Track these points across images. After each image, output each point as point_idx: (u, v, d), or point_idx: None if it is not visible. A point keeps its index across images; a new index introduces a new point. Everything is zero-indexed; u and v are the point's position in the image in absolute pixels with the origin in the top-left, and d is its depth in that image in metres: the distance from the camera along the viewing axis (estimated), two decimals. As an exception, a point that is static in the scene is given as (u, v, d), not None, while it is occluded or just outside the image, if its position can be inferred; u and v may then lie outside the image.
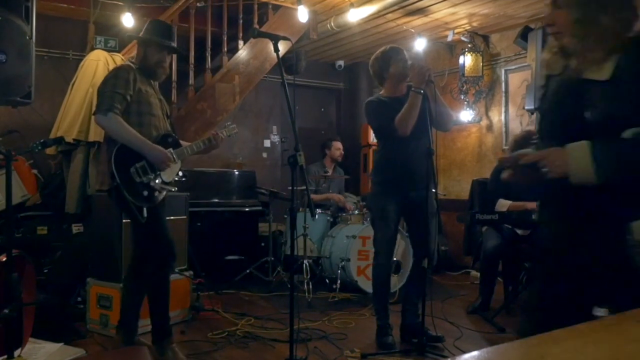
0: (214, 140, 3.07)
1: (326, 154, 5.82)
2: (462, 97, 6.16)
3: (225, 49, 5.22)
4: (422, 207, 3.23)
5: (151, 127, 2.91)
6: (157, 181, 2.85)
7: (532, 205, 3.86)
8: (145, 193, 2.80)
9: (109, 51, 4.77)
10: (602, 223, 1.46)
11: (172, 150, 2.93)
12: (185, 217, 4.02)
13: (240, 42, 5.30)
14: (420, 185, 3.26)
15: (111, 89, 2.79)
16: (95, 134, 4.20)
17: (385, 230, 3.34)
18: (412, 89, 3.18)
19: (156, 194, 2.85)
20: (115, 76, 2.86)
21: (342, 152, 5.85)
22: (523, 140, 4.07)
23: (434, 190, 3.25)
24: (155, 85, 3.08)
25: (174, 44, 3.06)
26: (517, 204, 3.91)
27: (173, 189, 2.97)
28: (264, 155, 6.84)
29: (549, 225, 1.63)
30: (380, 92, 3.50)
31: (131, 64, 2.96)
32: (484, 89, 6.05)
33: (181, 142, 3.11)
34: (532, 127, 5.42)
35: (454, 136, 6.37)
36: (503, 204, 3.94)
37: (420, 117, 3.23)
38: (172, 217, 3.69)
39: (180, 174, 3.02)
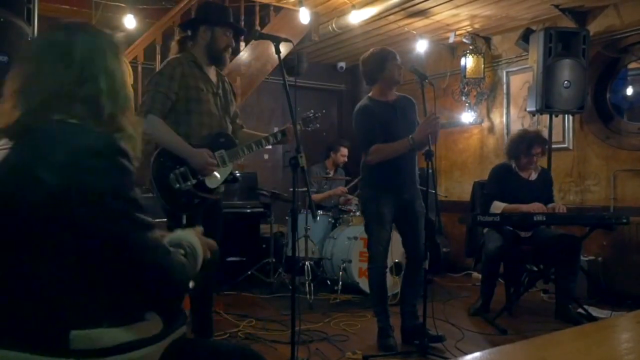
0: (280, 135, 2.83)
1: (330, 156, 5.84)
2: (464, 99, 6.16)
3: (227, 51, 5.22)
4: (414, 209, 3.24)
5: (201, 127, 2.75)
6: (197, 188, 2.68)
7: (526, 207, 3.86)
8: (183, 200, 2.64)
9: (110, 52, 4.77)
10: None
11: (223, 152, 2.76)
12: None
13: (242, 44, 5.30)
14: (412, 187, 3.28)
15: (154, 87, 2.66)
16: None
17: (380, 233, 3.34)
18: (412, 138, 3.15)
19: (195, 201, 2.69)
20: (159, 73, 2.72)
21: (346, 159, 5.85)
22: (519, 139, 4.07)
23: (433, 191, 3.25)
24: (215, 75, 2.89)
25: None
26: (511, 206, 3.91)
27: (214, 198, 2.77)
28: (265, 156, 6.83)
29: None
30: (370, 94, 3.47)
31: (180, 58, 2.76)
32: (486, 90, 6.05)
33: (245, 131, 2.95)
34: (533, 128, 5.41)
35: (455, 138, 6.37)
36: (497, 207, 3.94)
37: (410, 124, 3.27)
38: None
39: (231, 177, 2.82)
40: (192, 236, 1.39)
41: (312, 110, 3.18)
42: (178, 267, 1.21)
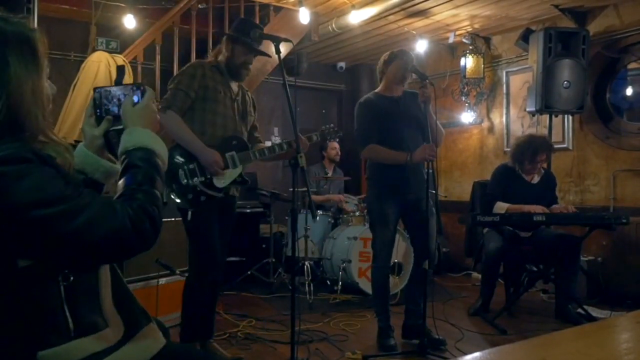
0: (294, 145, 2.81)
1: (324, 156, 5.84)
2: (464, 99, 6.16)
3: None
4: (420, 208, 3.23)
5: (214, 127, 2.84)
6: (205, 185, 2.75)
7: (529, 207, 3.86)
8: (190, 196, 2.72)
9: (110, 52, 4.78)
10: None
11: (234, 154, 2.84)
12: (186, 218, 4.01)
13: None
14: (418, 187, 3.27)
15: (175, 85, 2.80)
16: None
17: (384, 233, 3.34)
18: (410, 157, 3.18)
19: (202, 198, 2.76)
20: (181, 72, 2.87)
21: (339, 152, 5.84)
22: (525, 144, 4.06)
23: (433, 192, 3.26)
24: (236, 85, 3.00)
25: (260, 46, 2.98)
26: (515, 206, 3.91)
27: (219, 195, 2.82)
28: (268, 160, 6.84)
29: None
30: (376, 90, 3.50)
31: (204, 61, 2.93)
32: (485, 90, 6.05)
33: (260, 145, 3.03)
34: (534, 130, 5.42)
35: (455, 138, 6.37)
36: (501, 207, 3.93)
37: (415, 120, 3.26)
38: (172, 219, 3.68)
39: (240, 179, 2.89)
40: (140, 135, 1.24)
41: (331, 125, 3.23)
42: (132, 215, 1.09)
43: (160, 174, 1.22)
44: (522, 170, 4.09)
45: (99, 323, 1.16)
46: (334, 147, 5.79)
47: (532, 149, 3.99)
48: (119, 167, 1.24)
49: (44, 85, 1.15)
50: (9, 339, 1.06)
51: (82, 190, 1.09)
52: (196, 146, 2.74)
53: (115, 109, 1.32)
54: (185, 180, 2.72)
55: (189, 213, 2.74)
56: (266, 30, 5.14)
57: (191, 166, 2.74)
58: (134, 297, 1.30)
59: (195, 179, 2.74)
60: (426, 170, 3.18)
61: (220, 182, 2.81)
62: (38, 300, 1.08)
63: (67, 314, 1.10)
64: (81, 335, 1.11)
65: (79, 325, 1.11)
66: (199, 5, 5.19)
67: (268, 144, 7.22)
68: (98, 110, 1.33)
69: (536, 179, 4.14)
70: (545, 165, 4.28)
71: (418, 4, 4.95)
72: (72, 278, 1.11)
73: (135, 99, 1.30)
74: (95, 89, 1.34)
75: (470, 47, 5.93)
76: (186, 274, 3.84)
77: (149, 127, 1.28)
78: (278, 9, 5.38)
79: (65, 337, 1.09)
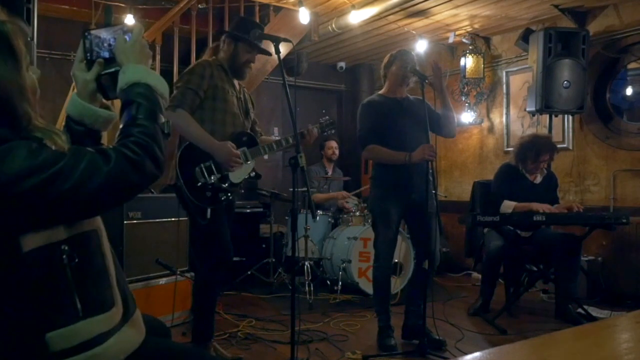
0: (299, 136, 2.81)
1: (322, 155, 5.85)
2: (464, 99, 6.16)
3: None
4: (423, 208, 3.22)
5: (224, 125, 2.85)
6: (222, 182, 2.77)
7: (537, 206, 3.85)
8: (209, 194, 2.74)
9: (110, 52, 4.78)
10: None
11: (245, 149, 2.86)
12: (186, 218, 4.00)
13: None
14: (420, 187, 3.26)
15: (184, 84, 2.78)
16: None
17: (386, 232, 3.34)
18: (409, 157, 3.18)
19: (220, 195, 2.78)
20: (190, 71, 2.84)
21: (335, 151, 5.84)
22: (528, 144, 4.06)
23: (434, 192, 3.25)
24: (237, 83, 3.02)
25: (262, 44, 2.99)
26: (522, 204, 3.90)
27: (239, 192, 2.85)
28: (265, 156, 6.82)
29: None
30: (380, 91, 3.51)
31: (210, 60, 2.92)
32: (485, 90, 6.05)
33: (263, 138, 3.05)
34: (534, 130, 5.42)
35: (455, 138, 6.35)
36: (508, 205, 3.93)
37: (419, 121, 3.26)
38: (173, 219, 3.68)
39: (253, 174, 2.92)
40: (133, 71, 1.24)
41: (327, 117, 3.25)
42: (127, 154, 1.09)
43: (159, 105, 1.22)
44: (525, 169, 4.09)
45: (106, 302, 1.17)
46: (330, 147, 5.80)
47: (536, 148, 3.99)
48: (115, 113, 1.24)
49: (26, 77, 1.14)
50: (17, 321, 1.06)
51: (70, 148, 1.09)
52: (209, 144, 2.74)
53: (106, 53, 1.32)
54: (203, 179, 2.73)
55: (208, 211, 2.72)
56: (266, 30, 5.14)
57: (207, 164, 2.74)
58: (125, 279, 1.31)
59: (213, 176, 2.75)
60: (430, 170, 3.17)
61: (235, 178, 2.83)
62: (45, 283, 1.08)
63: (75, 294, 1.11)
64: (89, 316, 1.12)
65: (87, 306, 1.12)
66: (199, 5, 5.19)
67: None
68: (88, 54, 1.32)
69: (539, 178, 4.15)
70: (546, 165, 4.28)
71: (418, 4, 4.95)
72: (77, 259, 1.11)
73: (127, 38, 1.31)
74: (84, 32, 1.33)
75: (470, 47, 5.93)
76: (186, 274, 3.85)
77: (143, 62, 1.28)
78: (278, 9, 5.38)
79: (73, 318, 1.10)
